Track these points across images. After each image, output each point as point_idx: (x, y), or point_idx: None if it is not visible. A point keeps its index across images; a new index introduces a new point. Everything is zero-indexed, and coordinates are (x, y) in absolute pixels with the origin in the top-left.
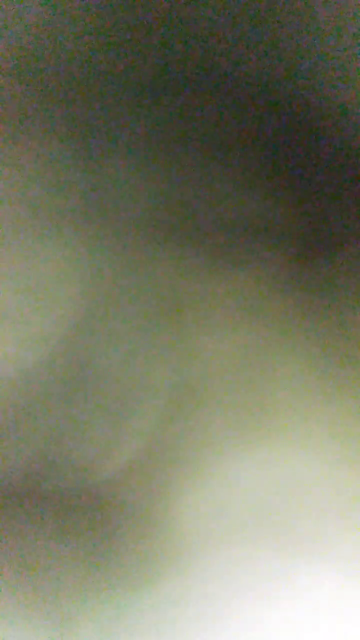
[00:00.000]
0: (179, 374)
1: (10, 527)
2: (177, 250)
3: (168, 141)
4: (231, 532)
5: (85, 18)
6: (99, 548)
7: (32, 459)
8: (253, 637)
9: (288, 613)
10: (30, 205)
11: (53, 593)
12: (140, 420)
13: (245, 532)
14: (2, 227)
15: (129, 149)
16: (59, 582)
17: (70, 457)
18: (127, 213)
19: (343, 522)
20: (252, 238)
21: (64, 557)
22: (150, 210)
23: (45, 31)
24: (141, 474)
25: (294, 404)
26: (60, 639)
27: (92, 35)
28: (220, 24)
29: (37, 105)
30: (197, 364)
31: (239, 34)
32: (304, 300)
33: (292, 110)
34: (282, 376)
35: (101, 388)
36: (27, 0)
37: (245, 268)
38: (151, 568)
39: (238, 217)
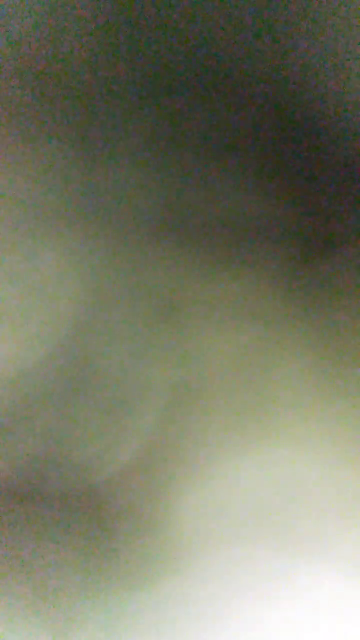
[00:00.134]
0: (179, 374)
1: (10, 527)
2: (177, 250)
3: (168, 141)
4: (231, 532)
5: (86, 18)
6: (99, 548)
7: (32, 459)
8: (253, 637)
9: (288, 613)
10: (30, 205)
11: (53, 593)
12: (141, 420)
13: (245, 532)
14: (2, 227)
15: (129, 149)
16: (59, 582)
17: (70, 457)
18: (127, 213)
19: (343, 522)
20: (252, 238)
21: (64, 557)
22: (150, 210)
23: (46, 31)
24: (141, 474)
25: (294, 404)
26: (60, 639)
27: (93, 36)
28: (220, 24)
29: (38, 106)
30: (197, 364)
31: (239, 35)
32: (304, 300)
33: (292, 111)
34: (282, 376)
35: (101, 388)
36: (28, 1)
37: (245, 268)
38: (151, 568)
39: (238, 217)
